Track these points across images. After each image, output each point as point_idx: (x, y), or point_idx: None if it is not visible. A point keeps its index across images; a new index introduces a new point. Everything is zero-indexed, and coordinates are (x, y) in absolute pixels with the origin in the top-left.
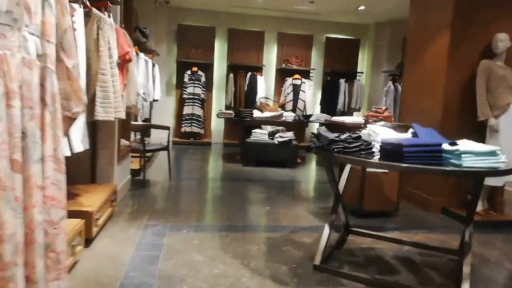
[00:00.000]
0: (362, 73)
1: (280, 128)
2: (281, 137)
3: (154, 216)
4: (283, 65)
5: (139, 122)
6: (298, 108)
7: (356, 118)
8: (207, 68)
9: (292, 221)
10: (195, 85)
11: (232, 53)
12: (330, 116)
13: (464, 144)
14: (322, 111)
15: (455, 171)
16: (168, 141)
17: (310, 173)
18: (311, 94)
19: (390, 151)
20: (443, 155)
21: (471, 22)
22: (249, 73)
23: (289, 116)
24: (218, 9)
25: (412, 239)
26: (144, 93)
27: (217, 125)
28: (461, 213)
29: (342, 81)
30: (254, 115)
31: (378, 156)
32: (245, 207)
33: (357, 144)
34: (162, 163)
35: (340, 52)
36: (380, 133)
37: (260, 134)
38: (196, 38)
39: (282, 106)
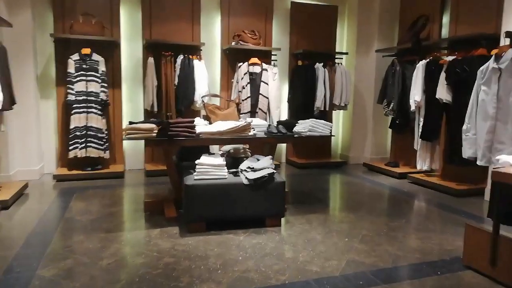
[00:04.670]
0: (347, 53)
1: (241, 147)
2: (252, 169)
3: None
4: (233, 43)
5: None
6: (260, 109)
7: None
8: (109, 49)
9: None
10: (88, 78)
11: (151, 25)
12: (329, 125)
13: None
14: (294, 113)
15: None
16: None
17: (321, 239)
18: (276, 88)
19: None
20: None
21: None
22: (181, 57)
23: (258, 126)
24: None
25: None
26: None
27: (132, 142)
28: None
29: (319, 66)
30: (198, 130)
31: None
32: None
33: None
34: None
35: (312, 25)
36: None
37: (211, 168)
38: (87, 0)
39: (237, 105)
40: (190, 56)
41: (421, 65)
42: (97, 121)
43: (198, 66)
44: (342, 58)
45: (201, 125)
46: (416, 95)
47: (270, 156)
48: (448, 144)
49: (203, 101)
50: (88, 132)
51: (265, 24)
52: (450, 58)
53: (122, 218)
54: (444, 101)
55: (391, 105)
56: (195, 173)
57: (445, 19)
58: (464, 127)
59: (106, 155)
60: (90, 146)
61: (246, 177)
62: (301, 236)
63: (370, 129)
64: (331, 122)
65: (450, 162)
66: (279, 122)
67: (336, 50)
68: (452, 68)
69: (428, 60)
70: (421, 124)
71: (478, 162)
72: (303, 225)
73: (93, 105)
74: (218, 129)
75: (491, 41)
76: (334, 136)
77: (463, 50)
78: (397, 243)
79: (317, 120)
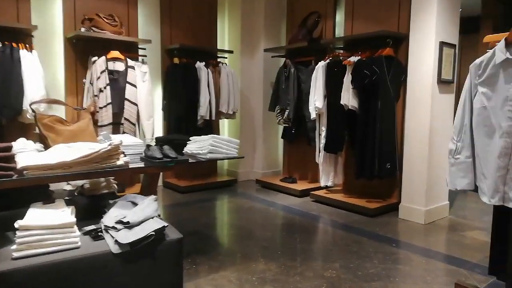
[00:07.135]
0: (231, 52)
1: (102, 181)
2: (125, 225)
3: None
4: (83, 29)
5: None
6: (127, 120)
7: None
8: None
9: None
10: None
11: None
12: (235, 142)
13: None
14: (172, 124)
15: None
16: None
17: None
18: (147, 91)
19: None
20: None
21: None
22: None
23: (131, 147)
24: None
25: None
26: None
27: None
28: None
29: (201, 65)
30: (21, 162)
31: None
32: None
33: None
34: None
35: (189, 15)
36: None
37: (47, 233)
38: None
39: (93, 115)
40: (14, 45)
41: (321, 67)
42: None
43: (28, 59)
44: (226, 58)
45: (28, 152)
46: (317, 100)
47: (153, 197)
48: (358, 157)
49: (33, 111)
50: None
51: (127, 9)
52: (354, 58)
53: None
54: (349, 108)
55: (286, 113)
56: (14, 246)
57: (339, 17)
58: (452, 146)
59: None
60: None
61: (116, 241)
62: None
63: (260, 140)
64: (218, 134)
65: (358, 177)
66: (160, 140)
67: (219, 48)
68: (360, 70)
69: (328, 61)
70: (323, 134)
71: (487, 200)
72: None
73: None
74: (60, 159)
75: (396, 40)
76: (243, 157)
77: (363, 51)
78: None
79: (219, 136)
